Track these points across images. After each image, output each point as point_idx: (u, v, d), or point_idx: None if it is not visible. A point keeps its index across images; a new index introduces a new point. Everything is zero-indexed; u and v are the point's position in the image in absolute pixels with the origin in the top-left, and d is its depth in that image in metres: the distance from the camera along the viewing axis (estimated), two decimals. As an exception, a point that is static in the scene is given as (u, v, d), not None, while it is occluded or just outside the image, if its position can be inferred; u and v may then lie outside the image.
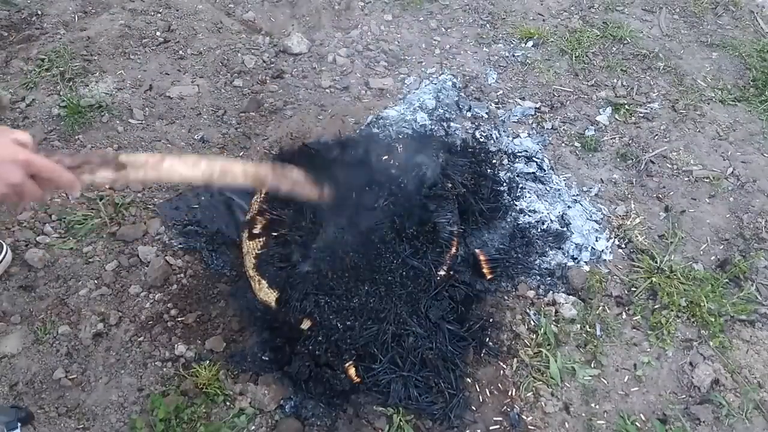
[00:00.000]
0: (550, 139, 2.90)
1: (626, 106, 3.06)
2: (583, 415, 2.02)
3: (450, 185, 2.32)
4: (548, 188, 2.65)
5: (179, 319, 2.14)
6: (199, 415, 1.91)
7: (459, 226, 2.24)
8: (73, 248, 2.28)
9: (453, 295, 2.14)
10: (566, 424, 2.00)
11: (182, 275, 2.26)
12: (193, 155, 1.36)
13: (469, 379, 2.06)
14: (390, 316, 1.98)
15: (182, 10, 3.30)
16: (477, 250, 2.31)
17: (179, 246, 2.32)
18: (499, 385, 2.06)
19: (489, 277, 2.28)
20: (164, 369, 2.02)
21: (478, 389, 2.05)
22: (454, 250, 2.18)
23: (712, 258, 2.50)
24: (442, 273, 2.12)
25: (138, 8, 3.27)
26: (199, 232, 2.36)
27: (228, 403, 1.94)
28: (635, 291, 2.34)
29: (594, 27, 3.51)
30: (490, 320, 2.18)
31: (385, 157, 2.39)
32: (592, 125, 2.98)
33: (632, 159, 2.83)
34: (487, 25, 3.47)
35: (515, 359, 2.12)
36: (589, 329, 2.22)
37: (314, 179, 1.55)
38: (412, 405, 1.94)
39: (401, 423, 1.92)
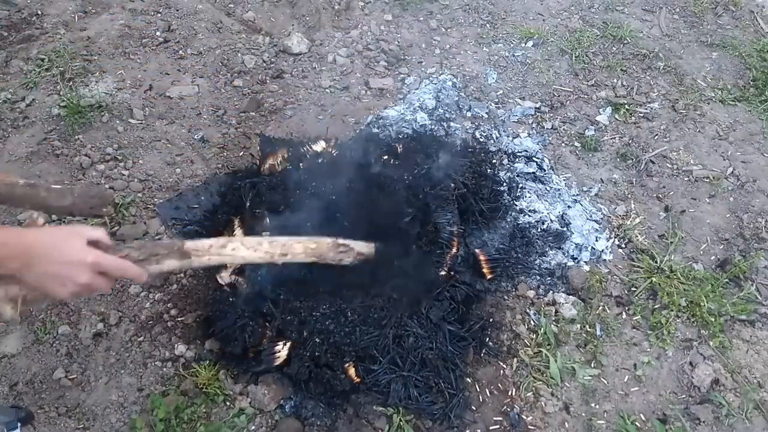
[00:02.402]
0: (550, 139, 2.90)
1: (626, 106, 3.06)
2: (583, 415, 2.02)
3: (452, 185, 2.32)
4: (548, 188, 2.65)
5: (179, 319, 2.14)
6: (199, 415, 1.91)
7: (459, 226, 2.24)
8: (73, 248, 2.28)
9: (453, 296, 2.14)
10: (566, 424, 2.00)
11: (182, 275, 2.25)
12: (255, 237, 1.40)
13: (469, 379, 2.06)
14: (391, 322, 1.98)
15: (182, 10, 3.30)
16: (477, 250, 2.31)
17: (179, 246, 2.32)
18: (499, 385, 2.06)
19: (489, 277, 2.28)
20: (164, 369, 2.02)
21: (478, 389, 2.05)
22: (454, 250, 2.18)
23: (712, 258, 2.50)
24: (442, 273, 2.12)
25: (138, 8, 3.26)
26: (199, 231, 2.36)
27: (228, 403, 1.94)
28: (635, 291, 2.34)
29: (594, 27, 3.51)
30: (490, 320, 2.18)
31: (385, 157, 2.40)
32: (592, 125, 2.98)
33: (632, 159, 2.83)
34: (487, 25, 3.47)
35: (515, 359, 2.12)
36: (589, 329, 2.22)
37: (372, 246, 1.61)
38: (412, 405, 1.94)
39: (401, 423, 1.92)
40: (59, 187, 2.06)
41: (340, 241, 1.51)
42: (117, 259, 1.13)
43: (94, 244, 1.11)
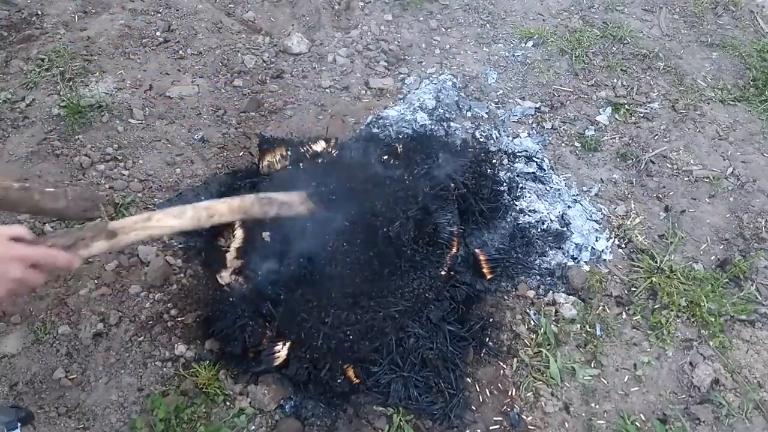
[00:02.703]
0: (550, 139, 2.90)
1: (626, 106, 3.06)
2: (583, 415, 2.02)
3: (452, 185, 2.32)
4: (548, 188, 2.65)
5: (179, 319, 2.14)
6: (199, 415, 1.91)
7: (459, 226, 2.24)
8: (73, 248, 2.28)
9: (454, 296, 2.14)
10: (566, 424, 2.00)
11: (182, 275, 2.26)
12: (178, 206, 1.38)
13: (469, 379, 2.06)
14: (392, 330, 1.98)
15: (182, 10, 3.30)
16: (477, 250, 2.31)
17: (179, 246, 2.32)
18: (499, 385, 2.06)
19: (489, 277, 2.28)
20: (164, 369, 2.02)
21: (478, 389, 2.05)
22: (454, 250, 2.18)
23: (712, 258, 2.50)
24: (442, 273, 2.12)
25: (138, 8, 3.26)
26: (199, 231, 2.36)
27: (228, 403, 1.94)
28: (635, 291, 2.34)
29: (594, 27, 3.51)
30: (490, 320, 2.18)
31: (384, 157, 2.40)
32: (592, 125, 2.98)
33: (632, 159, 2.83)
34: (487, 25, 3.47)
35: (515, 359, 2.12)
36: (589, 329, 2.22)
37: (303, 194, 1.58)
38: (412, 405, 1.94)
39: (401, 423, 1.92)
40: (53, 190, 2.06)
41: (263, 194, 1.52)
42: (45, 249, 1.13)
43: (17, 240, 1.10)
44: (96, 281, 2.21)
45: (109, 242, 1.26)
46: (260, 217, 1.51)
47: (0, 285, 1.05)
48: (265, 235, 2.08)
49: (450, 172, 2.35)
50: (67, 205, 1.92)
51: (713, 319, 2.25)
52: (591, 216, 2.58)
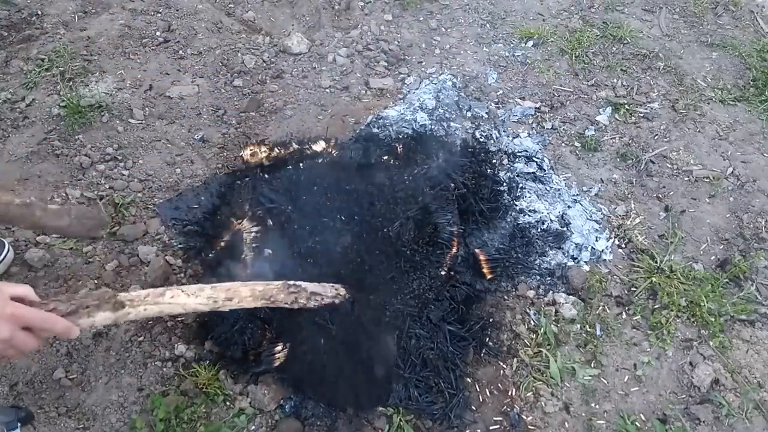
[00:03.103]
0: (550, 139, 2.90)
1: (626, 106, 3.06)
2: (583, 415, 2.02)
3: (452, 185, 2.32)
4: (548, 188, 2.65)
5: (179, 319, 2.14)
6: (199, 415, 1.91)
7: (459, 226, 2.24)
8: (73, 248, 2.28)
9: (454, 296, 2.14)
10: (566, 424, 2.00)
11: (182, 275, 2.26)
12: (196, 285, 1.29)
13: (469, 379, 2.06)
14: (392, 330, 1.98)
15: (182, 10, 3.30)
16: (477, 250, 2.31)
17: (179, 246, 2.32)
18: (499, 385, 2.06)
19: (489, 276, 2.28)
20: (164, 369, 2.02)
21: (478, 389, 2.05)
22: (454, 250, 2.18)
23: (712, 258, 2.50)
24: (442, 273, 2.12)
25: (138, 8, 3.26)
26: (199, 232, 2.36)
27: (228, 403, 1.94)
28: (635, 291, 2.34)
29: (594, 27, 3.51)
30: (490, 320, 2.18)
31: (384, 157, 2.40)
32: (592, 125, 2.98)
33: (632, 159, 2.83)
34: (487, 25, 3.47)
35: (515, 359, 2.12)
36: (589, 329, 2.22)
37: (334, 283, 1.47)
38: (412, 405, 1.94)
39: (401, 423, 1.92)
40: (56, 207, 2.04)
41: (291, 282, 1.41)
42: (41, 312, 1.06)
43: (17, 300, 1.05)
44: (96, 281, 2.21)
45: (115, 314, 1.19)
46: (286, 306, 1.40)
47: None
48: (267, 252, 2.09)
49: (450, 172, 2.35)
50: (69, 224, 1.88)
51: (713, 319, 2.25)
52: (591, 216, 2.58)
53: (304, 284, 1.41)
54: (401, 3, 3.50)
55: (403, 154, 2.43)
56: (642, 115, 3.05)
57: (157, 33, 3.15)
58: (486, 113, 2.97)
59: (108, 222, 2.32)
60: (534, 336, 2.18)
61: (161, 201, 2.46)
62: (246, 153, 2.48)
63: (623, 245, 2.51)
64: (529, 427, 1.98)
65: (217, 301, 1.30)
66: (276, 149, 2.53)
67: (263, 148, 2.49)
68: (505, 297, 2.29)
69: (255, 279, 1.65)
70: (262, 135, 2.76)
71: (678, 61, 3.35)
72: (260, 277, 1.81)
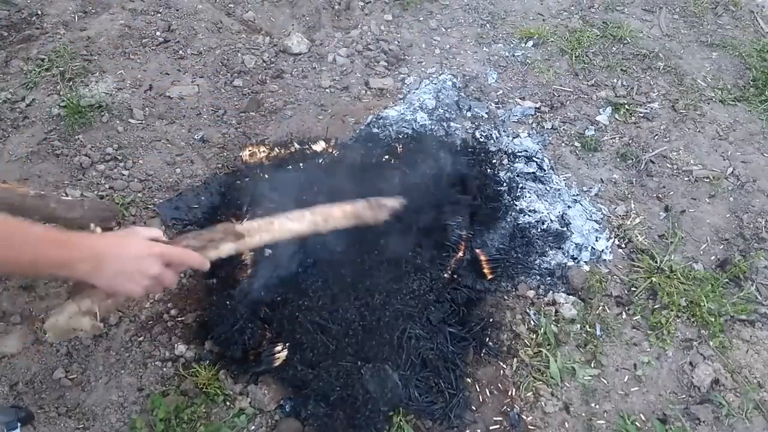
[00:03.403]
0: (550, 139, 2.90)
1: (626, 106, 3.06)
2: (583, 415, 2.02)
3: (466, 191, 2.34)
4: (548, 188, 2.65)
5: (179, 319, 2.14)
6: (199, 414, 1.91)
7: (468, 231, 2.24)
8: (73, 248, 2.28)
9: (455, 298, 2.13)
10: (566, 424, 2.00)
11: (182, 275, 2.25)
12: (297, 211, 1.42)
13: (469, 379, 2.06)
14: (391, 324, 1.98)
15: (182, 10, 3.30)
16: (477, 250, 2.31)
17: (179, 246, 2.32)
18: (499, 385, 2.06)
19: (489, 277, 2.28)
20: (164, 369, 2.02)
21: (478, 389, 2.05)
22: (461, 253, 2.18)
23: (712, 258, 2.50)
24: (445, 276, 2.12)
25: (138, 8, 3.26)
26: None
27: (228, 403, 1.94)
28: (635, 291, 2.34)
29: (594, 27, 3.51)
30: (490, 320, 2.18)
31: (387, 157, 2.40)
32: (592, 125, 2.98)
33: (632, 159, 2.83)
34: (487, 25, 3.47)
35: (515, 359, 2.12)
36: (589, 329, 2.22)
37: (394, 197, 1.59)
38: (412, 405, 1.94)
39: (401, 423, 1.92)
40: (69, 198, 2.05)
41: (372, 200, 1.53)
42: (181, 249, 1.19)
43: (154, 240, 1.16)
44: (96, 281, 2.21)
45: (237, 243, 1.29)
46: (372, 222, 1.54)
47: (140, 280, 1.09)
48: (267, 251, 2.10)
49: (455, 174, 2.36)
50: (83, 215, 1.92)
51: (713, 319, 2.25)
52: (591, 216, 2.58)
53: (382, 200, 1.55)
54: (401, 3, 3.50)
55: (406, 156, 2.44)
56: (642, 115, 3.05)
57: (157, 33, 3.15)
58: (486, 113, 2.97)
59: (120, 212, 2.33)
60: (534, 336, 2.18)
61: (161, 201, 2.46)
62: (245, 154, 2.49)
63: (623, 245, 2.51)
64: (529, 427, 1.98)
65: (317, 224, 1.42)
66: (276, 149, 2.53)
67: (262, 149, 2.50)
68: (505, 297, 2.29)
69: None
70: (262, 135, 2.76)
71: (678, 61, 3.35)
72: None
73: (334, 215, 1.46)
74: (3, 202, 1.77)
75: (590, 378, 2.09)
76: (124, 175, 2.53)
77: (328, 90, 3.02)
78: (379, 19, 3.41)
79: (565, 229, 2.50)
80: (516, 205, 2.54)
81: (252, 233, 1.32)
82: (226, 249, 1.28)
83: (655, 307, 2.30)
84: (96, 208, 2.05)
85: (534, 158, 2.75)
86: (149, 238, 1.16)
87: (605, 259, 2.44)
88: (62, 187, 2.44)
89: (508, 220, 2.48)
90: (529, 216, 2.51)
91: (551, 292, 2.31)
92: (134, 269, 1.09)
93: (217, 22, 3.28)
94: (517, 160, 2.74)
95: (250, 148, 2.52)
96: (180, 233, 1.25)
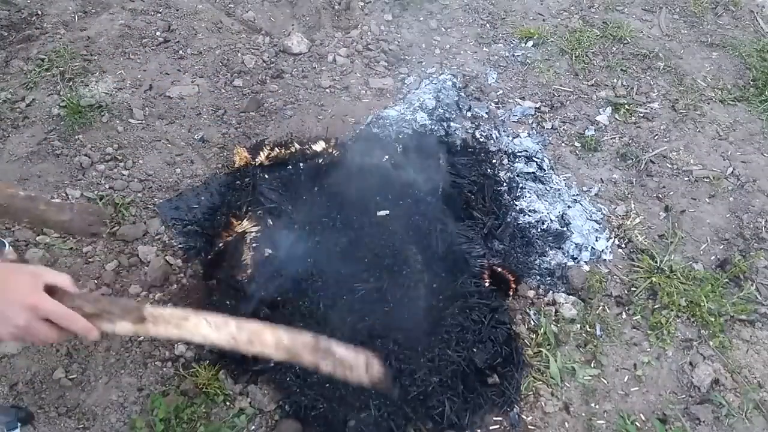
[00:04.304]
0: (550, 139, 2.90)
1: (626, 106, 3.06)
2: (583, 415, 2.02)
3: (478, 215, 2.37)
4: (548, 188, 2.65)
5: (179, 319, 2.13)
6: (199, 414, 1.91)
7: (487, 257, 2.24)
8: (72, 248, 2.28)
9: (495, 337, 2.06)
10: (566, 424, 2.00)
11: (182, 275, 2.25)
12: (222, 316, 1.24)
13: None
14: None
15: (182, 10, 3.30)
16: (494, 265, 2.30)
17: (179, 246, 2.32)
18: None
19: (513, 289, 2.27)
20: (164, 369, 2.02)
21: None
22: (487, 283, 2.18)
23: (712, 258, 2.50)
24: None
25: (138, 8, 3.26)
26: (199, 232, 2.36)
27: (228, 403, 1.94)
28: (635, 291, 2.34)
29: (594, 27, 3.51)
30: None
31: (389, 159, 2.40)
32: (592, 125, 2.98)
33: (632, 159, 2.83)
34: (487, 25, 3.47)
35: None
36: (589, 329, 2.22)
37: (367, 360, 1.28)
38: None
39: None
40: (59, 201, 2.04)
41: (323, 341, 1.25)
42: (63, 308, 1.04)
43: (51, 288, 1.04)
44: (96, 281, 2.21)
45: (135, 327, 1.17)
46: (308, 366, 1.27)
47: (4, 325, 0.99)
48: (267, 251, 2.10)
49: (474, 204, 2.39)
50: (71, 218, 1.89)
51: (713, 319, 2.25)
52: (591, 216, 2.58)
53: (334, 347, 1.26)
54: (401, 3, 3.50)
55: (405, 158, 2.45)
56: (642, 115, 3.05)
57: (157, 33, 3.15)
58: (486, 113, 2.97)
59: (109, 217, 2.32)
60: (534, 336, 2.18)
61: (161, 201, 2.46)
62: (236, 158, 2.50)
63: (623, 245, 2.51)
64: (529, 427, 1.98)
65: (238, 342, 1.23)
66: (275, 149, 2.53)
67: (261, 151, 2.50)
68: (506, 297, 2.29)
69: None
70: (262, 135, 2.76)
71: (678, 61, 3.35)
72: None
73: (264, 341, 1.24)
74: None
75: (590, 378, 2.09)
76: (124, 175, 2.53)
77: (328, 90, 3.02)
78: (379, 19, 3.41)
79: (565, 229, 2.50)
80: (516, 205, 2.54)
81: (158, 322, 1.18)
82: (122, 328, 1.15)
83: (655, 307, 2.30)
84: (84, 211, 2.04)
85: (534, 158, 2.75)
86: (48, 284, 1.03)
87: (605, 259, 2.44)
88: (62, 187, 2.44)
89: (508, 220, 2.48)
90: (529, 216, 2.51)
91: (551, 292, 2.31)
92: (1, 311, 0.98)
93: (217, 22, 3.28)
94: (517, 160, 2.74)
95: (239, 151, 2.52)
96: (81, 295, 1.13)
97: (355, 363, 1.27)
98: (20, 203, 1.77)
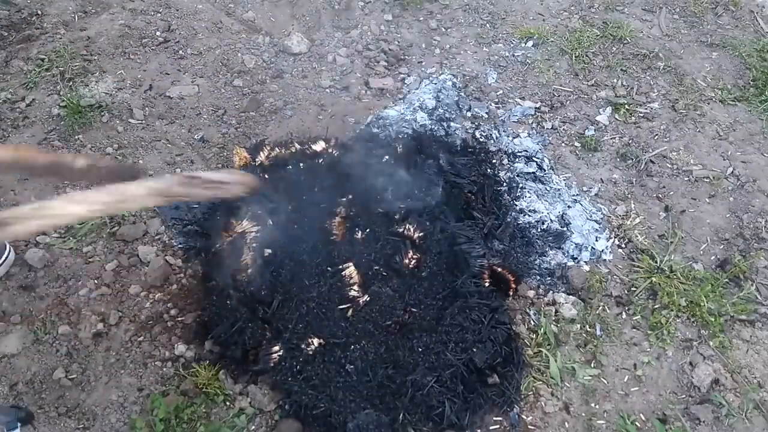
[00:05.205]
0: (550, 139, 2.90)
1: (626, 106, 3.06)
2: (583, 415, 2.02)
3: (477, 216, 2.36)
4: (548, 188, 2.65)
5: (179, 319, 2.14)
6: (199, 414, 1.91)
7: (487, 257, 2.24)
8: (73, 248, 2.28)
9: (495, 338, 2.06)
10: (566, 424, 2.00)
11: (182, 275, 2.26)
12: (80, 192, 1.19)
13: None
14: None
15: (182, 10, 3.30)
16: (494, 265, 2.29)
17: (179, 246, 2.32)
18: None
19: (512, 288, 2.27)
20: (164, 369, 2.02)
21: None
22: (487, 283, 2.18)
23: (712, 258, 2.50)
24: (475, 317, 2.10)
25: (138, 8, 3.26)
26: (199, 231, 2.36)
27: (228, 403, 1.94)
28: (635, 291, 2.34)
29: (594, 27, 3.51)
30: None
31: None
32: (592, 125, 2.98)
33: (632, 159, 2.83)
34: (487, 25, 3.47)
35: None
36: (589, 329, 2.22)
37: (240, 174, 1.34)
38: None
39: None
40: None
41: (188, 172, 1.31)
42: None
43: None
44: (96, 281, 2.21)
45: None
46: (186, 199, 1.31)
47: None
48: (267, 251, 2.10)
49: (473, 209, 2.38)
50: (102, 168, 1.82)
51: (713, 319, 2.25)
52: (591, 216, 2.58)
53: (200, 173, 1.28)
54: (401, 3, 3.50)
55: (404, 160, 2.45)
56: (642, 115, 3.05)
57: (157, 33, 3.15)
58: (486, 113, 2.97)
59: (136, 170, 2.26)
60: (534, 336, 2.18)
61: (161, 201, 2.46)
62: (235, 159, 2.49)
63: (623, 245, 2.51)
64: (529, 427, 1.98)
65: (110, 206, 1.20)
66: (275, 149, 2.53)
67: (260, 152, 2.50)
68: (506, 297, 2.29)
69: None
70: (262, 135, 2.76)
71: (678, 61, 3.35)
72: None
73: (134, 194, 1.20)
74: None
75: (590, 378, 2.09)
76: (124, 175, 2.53)
77: (328, 90, 3.02)
78: (379, 19, 3.41)
79: (565, 229, 2.50)
80: (516, 205, 2.54)
81: (18, 221, 1.13)
82: None
83: (655, 307, 2.30)
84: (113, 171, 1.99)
85: (534, 158, 2.75)
86: None
87: (605, 259, 2.44)
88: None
89: (508, 220, 2.47)
90: (529, 216, 2.51)
91: (551, 292, 2.31)
92: None
93: (217, 22, 3.28)
94: (517, 160, 2.74)
95: (238, 152, 2.52)
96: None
97: (225, 179, 1.30)
98: (43, 159, 1.70)
